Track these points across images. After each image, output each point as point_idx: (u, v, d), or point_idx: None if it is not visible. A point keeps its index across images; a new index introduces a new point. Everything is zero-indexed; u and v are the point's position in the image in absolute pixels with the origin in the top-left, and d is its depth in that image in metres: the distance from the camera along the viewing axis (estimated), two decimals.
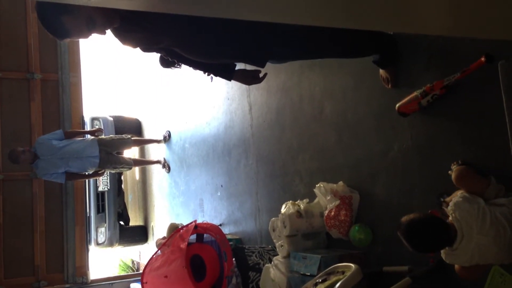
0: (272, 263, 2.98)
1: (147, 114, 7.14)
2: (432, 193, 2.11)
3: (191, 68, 2.28)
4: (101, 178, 6.16)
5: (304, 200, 2.92)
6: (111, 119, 6.83)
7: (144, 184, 7.24)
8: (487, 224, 1.66)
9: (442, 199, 2.01)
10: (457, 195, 1.79)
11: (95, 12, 1.69)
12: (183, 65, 2.28)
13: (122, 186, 7.54)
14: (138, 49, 2.03)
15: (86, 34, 1.76)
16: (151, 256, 3.34)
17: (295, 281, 2.64)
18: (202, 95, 4.83)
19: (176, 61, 2.19)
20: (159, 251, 3.35)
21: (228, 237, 3.81)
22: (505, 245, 1.66)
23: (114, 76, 10.50)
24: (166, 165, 6.01)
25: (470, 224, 1.67)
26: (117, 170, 5.60)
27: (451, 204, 1.76)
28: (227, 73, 2.23)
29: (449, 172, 1.96)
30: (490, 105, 1.89)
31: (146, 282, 3.25)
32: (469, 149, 1.98)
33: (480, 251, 1.69)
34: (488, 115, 1.92)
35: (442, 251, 1.79)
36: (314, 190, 2.81)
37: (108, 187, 6.60)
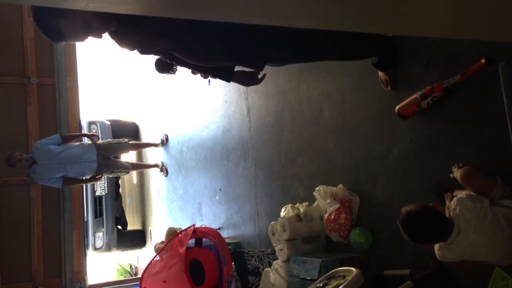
0: (272, 267, 2.96)
1: (144, 118, 7.12)
2: (433, 196, 2.10)
3: (189, 70, 2.26)
4: (98, 182, 6.13)
5: (304, 204, 2.90)
6: (109, 123, 6.81)
7: (142, 188, 7.22)
8: (485, 225, 1.66)
9: (442, 190, 2.00)
10: (462, 193, 1.78)
11: (91, 16, 1.67)
12: (183, 68, 2.25)
13: (120, 190, 7.51)
14: (135, 51, 2.01)
15: (82, 37, 1.74)
16: (149, 261, 3.32)
17: (295, 286, 2.62)
18: (200, 98, 4.81)
19: (173, 64, 2.17)
20: (158, 255, 3.33)
21: (227, 241, 3.79)
22: (500, 247, 1.67)
23: (111, 79, 10.48)
24: (163, 169, 5.99)
25: (468, 222, 1.68)
26: (115, 175, 5.57)
27: (454, 199, 1.77)
28: (226, 75, 2.22)
29: (450, 175, 1.95)
30: (490, 107, 1.88)
31: (145, 287, 3.22)
32: (470, 151, 1.97)
33: (472, 250, 1.70)
34: (488, 117, 1.91)
35: (436, 244, 1.79)
36: (314, 193, 2.79)
37: (106, 192, 6.57)
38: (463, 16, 0.94)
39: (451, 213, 1.74)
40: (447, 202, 1.83)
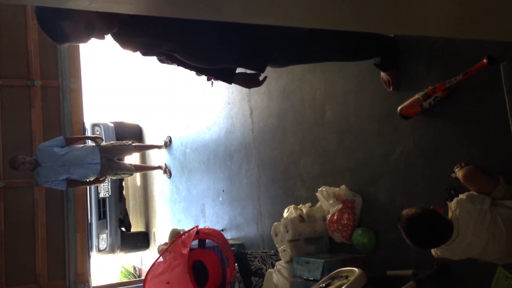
0: (275, 268, 2.96)
1: (147, 120, 7.14)
2: (436, 196, 2.10)
3: (192, 72, 2.27)
4: (102, 184, 6.15)
5: (307, 204, 2.91)
6: (112, 125, 6.83)
7: (145, 190, 7.23)
8: (484, 228, 1.65)
9: (447, 195, 1.99)
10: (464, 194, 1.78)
11: (94, 17, 1.69)
12: (185, 70, 2.26)
13: (123, 192, 7.52)
14: (138, 53, 2.02)
15: (85, 39, 1.76)
16: (153, 262, 3.33)
17: (298, 286, 2.62)
18: (203, 100, 4.83)
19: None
20: (161, 257, 3.34)
21: (230, 242, 3.79)
22: (497, 250, 1.66)
23: (114, 81, 10.52)
24: (167, 171, 6.00)
25: (467, 225, 1.67)
26: (118, 176, 5.59)
27: (454, 200, 1.75)
28: (228, 77, 2.22)
29: (452, 175, 1.95)
30: (493, 106, 1.88)
31: None
32: (472, 151, 1.97)
33: (470, 251, 1.70)
34: (491, 117, 1.91)
35: None
36: (317, 194, 2.80)
37: (109, 193, 6.59)
38: (466, 16, 0.95)
39: (451, 214, 1.74)
40: (449, 204, 1.82)
